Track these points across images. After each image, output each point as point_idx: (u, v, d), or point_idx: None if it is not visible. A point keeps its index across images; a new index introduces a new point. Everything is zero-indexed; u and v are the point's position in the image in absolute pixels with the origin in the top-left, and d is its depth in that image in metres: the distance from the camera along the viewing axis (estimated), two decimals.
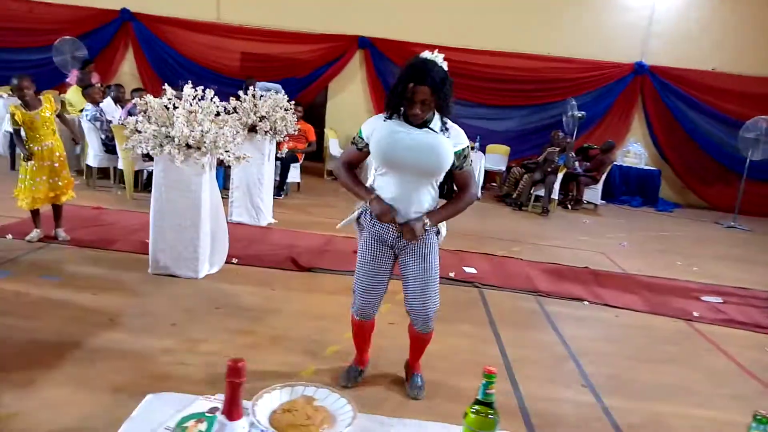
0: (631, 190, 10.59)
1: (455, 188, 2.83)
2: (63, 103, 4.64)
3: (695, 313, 4.89)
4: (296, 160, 7.75)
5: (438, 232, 2.83)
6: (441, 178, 2.71)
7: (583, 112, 9.92)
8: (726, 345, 4.28)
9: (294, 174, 7.87)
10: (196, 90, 4.14)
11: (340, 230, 2.94)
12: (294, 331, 3.67)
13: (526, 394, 3.22)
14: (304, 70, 10.76)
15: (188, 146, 4.11)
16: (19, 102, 4.60)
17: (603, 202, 10.16)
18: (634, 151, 10.73)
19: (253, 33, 10.78)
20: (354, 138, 2.76)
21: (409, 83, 2.46)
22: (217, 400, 1.48)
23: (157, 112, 4.07)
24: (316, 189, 8.62)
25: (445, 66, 2.56)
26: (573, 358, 3.79)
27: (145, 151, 4.07)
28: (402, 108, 2.56)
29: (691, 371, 3.80)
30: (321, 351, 3.43)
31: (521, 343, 3.92)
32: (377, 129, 2.63)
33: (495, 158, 10.50)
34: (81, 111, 7.25)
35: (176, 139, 3.98)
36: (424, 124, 2.57)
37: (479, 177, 9.28)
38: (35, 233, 4.82)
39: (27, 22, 10.95)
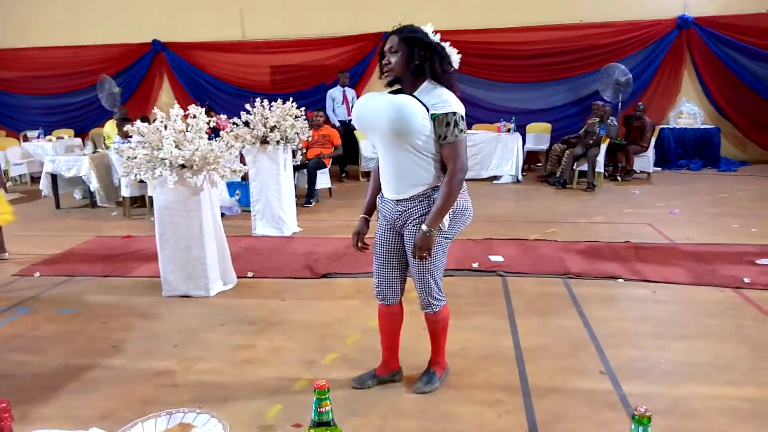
0: (689, 153, 9.87)
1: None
2: None
3: (746, 279, 4.43)
4: (323, 166, 7.67)
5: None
6: (425, 144, 2.52)
7: (625, 77, 9.41)
8: None
9: (324, 180, 7.81)
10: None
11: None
12: (294, 341, 3.58)
13: (534, 387, 2.99)
14: (333, 75, 10.72)
15: (182, 166, 4.12)
16: None
17: (658, 169, 9.54)
18: (688, 111, 9.99)
19: (278, 45, 10.88)
20: None
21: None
22: None
23: (149, 136, 4.10)
24: (349, 192, 8.52)
25: (432, 34, 2.59)
26: (595, 342, 3.49)
27: (139, 177, 4.11)
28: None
29: (730, 346, 3.41)
30: (319, 360, 3.32)
31: (539, 331, 3.66)
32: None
33: (537, 137, 10.08)
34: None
35: (167, 161, 3.99)
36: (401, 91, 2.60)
37: (518, 158, 8.93)
38: None
39: (70, 67, 11.53)
